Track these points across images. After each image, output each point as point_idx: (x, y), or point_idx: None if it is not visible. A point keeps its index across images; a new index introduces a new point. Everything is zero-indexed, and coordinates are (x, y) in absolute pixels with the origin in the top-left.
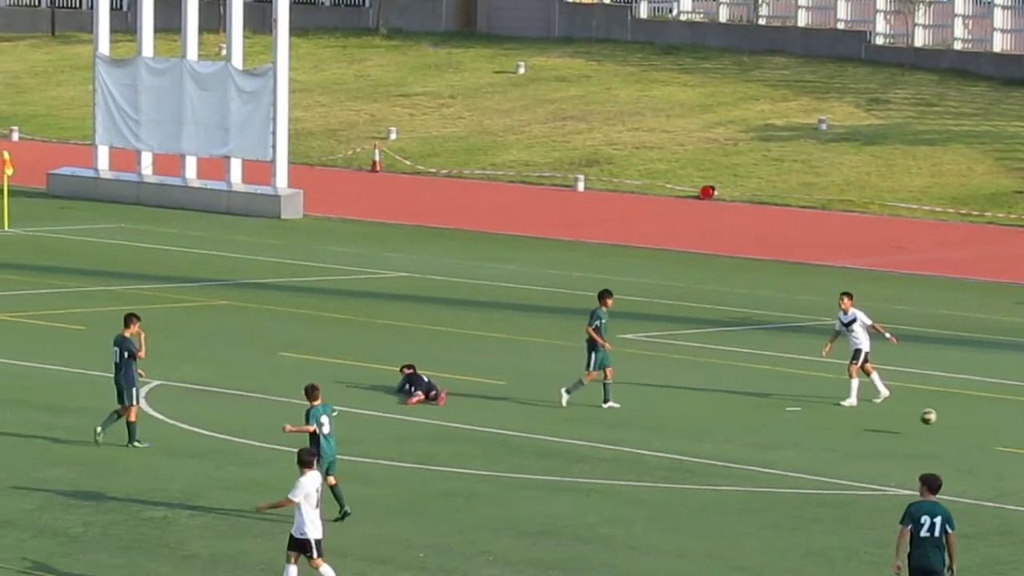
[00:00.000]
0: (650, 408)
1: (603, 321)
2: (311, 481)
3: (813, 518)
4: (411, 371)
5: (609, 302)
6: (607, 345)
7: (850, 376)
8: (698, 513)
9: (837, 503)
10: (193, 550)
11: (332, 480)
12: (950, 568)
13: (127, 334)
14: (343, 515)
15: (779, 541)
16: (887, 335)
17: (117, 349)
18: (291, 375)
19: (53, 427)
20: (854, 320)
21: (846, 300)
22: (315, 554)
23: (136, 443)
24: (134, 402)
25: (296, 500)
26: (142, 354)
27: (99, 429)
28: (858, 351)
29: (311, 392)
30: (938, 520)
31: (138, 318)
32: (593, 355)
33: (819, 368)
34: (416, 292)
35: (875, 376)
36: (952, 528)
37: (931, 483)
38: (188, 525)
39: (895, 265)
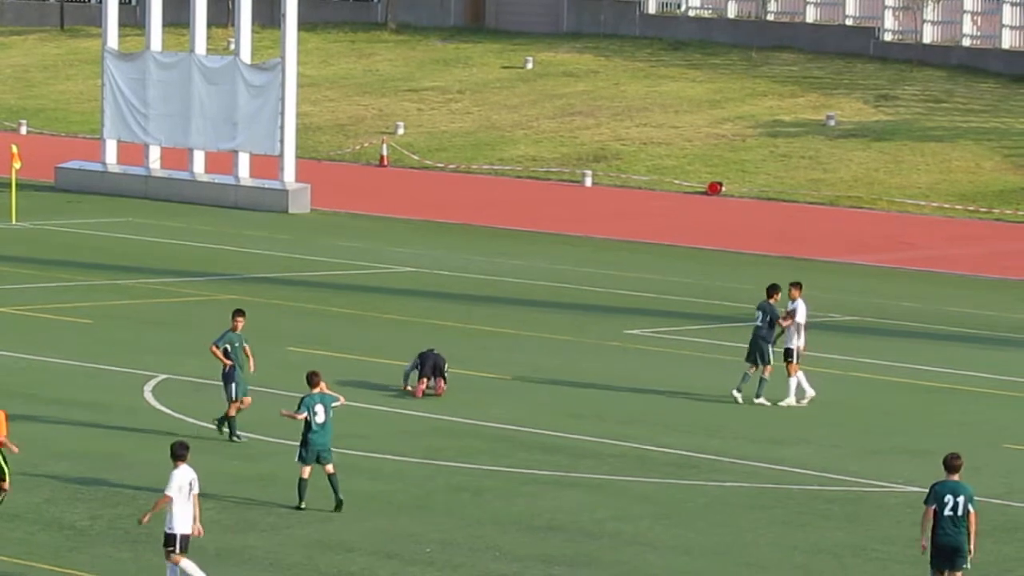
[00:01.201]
0: (657, 404)
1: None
2: (183, 475)
3: (821, 515)
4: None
5: (777, 296)
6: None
7: (789, 375)
8: (705, 509)
9: (845, 500)
10: (199, 544)
11: (330, 468)
12: (969, 548)
13: (234, 330)
14: (338, 504)
15: (787, 537)
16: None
17: (229, 346)
18: (298, 369)
19: (61, 421)
20: (795, 312)
21: (794, 290)
22: (177, 550)
23: (236, 437)
24: (234, 398)
25: (171, 495)
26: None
27: (224, 429)
28: (789, 350)
29: (311, 379)
30: (961, 499)
31: (243, 313)
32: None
33: (826, 365)
34: (423, 287)
35: (800, 376)
36: (975, 507)
37: (951, 463)
38: None
39: (903, 261)
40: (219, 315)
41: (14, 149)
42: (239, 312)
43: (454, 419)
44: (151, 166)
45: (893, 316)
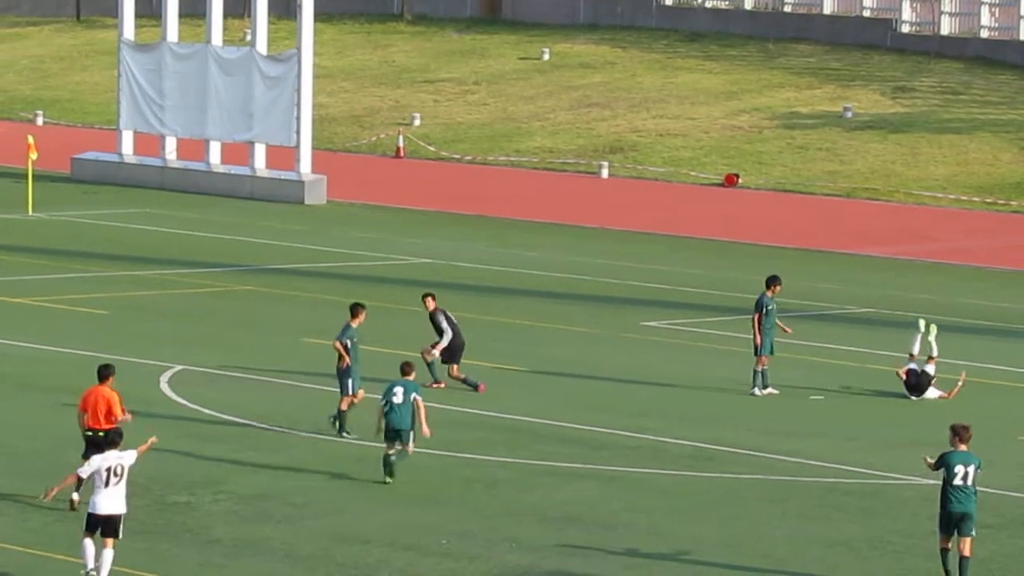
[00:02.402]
0: (673, 396)
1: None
2: (102, 460)
3: (837, 507)
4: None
5: (775, 288)
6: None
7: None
8: (721, 502)
9: (861, 492)
10: (215, 535)
11: (409, 448)
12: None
13: (353, 324)
14: (388, 472)
15: (802, 530)
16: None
17: (349, 341)
18: (314, 361)
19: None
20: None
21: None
22: (96, 532)
23: (345, 433)
24: (348, 392)
25: (83, 476)
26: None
27: (336, 424)
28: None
29: (404, 369)
30: (971, 468)
31: (364, 307)
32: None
33: (843, 357)
34: (439, 278)
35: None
36: (980, 469)
37: (962, 433)
38: (211, 510)
39: (919, 254)
40: (235, 306)
41: (30, 140)
42: (359, 306)
43: (470, 411)
44: (167, 157)
45: (909, 308)
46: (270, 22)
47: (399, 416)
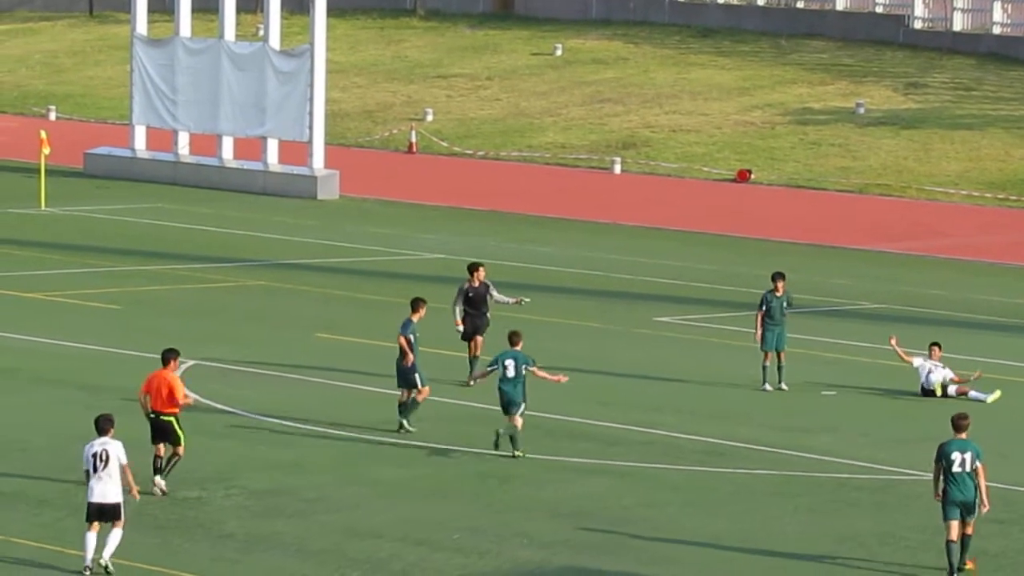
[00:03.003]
0: (685, 392)
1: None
2: (89, 447)
3: (849, 503)
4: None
5: (778, 285)
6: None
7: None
8: (733, 497)
9: (873, 488)
10: (227, 530)
11: (517, 421)
12: (980, 498)
13: (415, 318)
14: (497, 439)
15: (814, 525)
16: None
17: (412, 336)
18: (326, 356)
19: (89, 406)
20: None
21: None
22: (95, 522)
23: (405, 426)
24: (418, 385)
25: (87, 468)
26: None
27: (404, 421)
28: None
29: (512, 338)
30: (968, 455)
31: (425, 302)
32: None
33: (855, 352)
34: (452, 274)
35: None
36: (981, 460)
37: (958, 423)
38: (222, 505)
39: (932, 250)
40: (247, 301)
41: (43, 135)
42: (420, 301)
43: (482, 406)
44: (180, 152)
45: (921, 304)
46: (283, 17)
47: (512, 389)
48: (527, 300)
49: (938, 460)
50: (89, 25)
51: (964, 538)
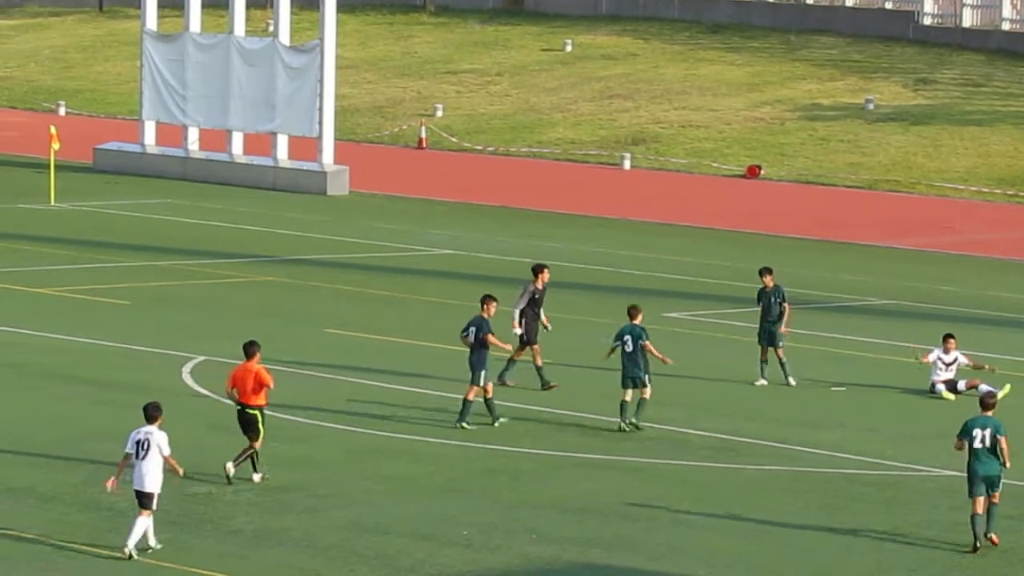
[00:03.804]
0: (695, 387)
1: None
2: (135, 433)
3: (858, 498)
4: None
5: (766, 279)
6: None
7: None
8: (743, 493)
9: (883, 484)
10: (236, 526)
11: (647, 393)
12: (1003, 466)
13: (485, 315)
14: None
15: (824, 521)
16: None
17: (474, 329)
18: (336, 351)
19: (100, 401)
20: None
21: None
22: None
23: (498, 421)
24: (480, 383)
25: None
26: (494, 339)
27: (496, 421)
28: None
29: (631, 312)
30: (988, 431)
31: (495, 299)
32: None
33: (864, 348)
34: (461, 269)
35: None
36: (1002, 434)
37: (985, 401)
38: (232, 501)
39: (941, 245)
40: (257, 296)
41: (53, 130)
42: (491, 298)
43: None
44: (189, 147)
45: (931, 300)
46: (293, 13)
47: (632, 363)
48: (548, 328)
49: (960, 435)
50: (99, 20)
51: (990, 507)
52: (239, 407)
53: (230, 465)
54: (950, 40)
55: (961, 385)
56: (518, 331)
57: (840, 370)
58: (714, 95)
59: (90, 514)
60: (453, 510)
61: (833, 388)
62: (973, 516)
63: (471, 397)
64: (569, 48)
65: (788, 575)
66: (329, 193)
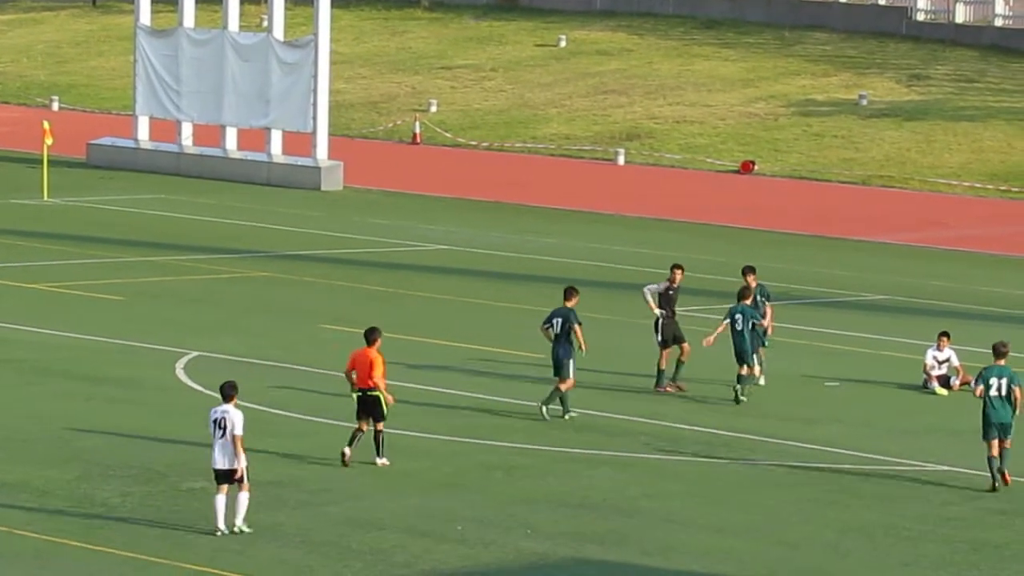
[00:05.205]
0: (688, 382)
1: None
2: (213, 411)
3: (853, 493)
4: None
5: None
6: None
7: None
8: (737, 488)
9: (877, 479)
10: (230, 521)
11: (757, 371)
12: (1014, 413)
13: (569, 305)
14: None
15: (818, 516)
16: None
17: (559, 320)
18: (331, 347)
19: (93, 397)
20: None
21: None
22: (222, 486)
23: (569, 414)
24: (570, 375)
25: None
26: (579, 332)
27: (543, 408)
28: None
29: (743, 293)
30: (1004, 380)
31: (577, 292)
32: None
33: (858, 344)
34: (456, 265)
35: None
36: (1016, 384)
37: (998, 349)
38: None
39: (934, 241)
40: (251, 292)
41: (46, 125)
42: (574, 289)
43: (486, 397)
44: (183, 143)
45: (924, 296)
46: (287, 8)
47: (743, 341)
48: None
49: (977, 382)
50: (92, 15)
51: (1002, 451)
52: (359, 392)
53: (349, 450)
54: (943, 36)
55: (954, 381)
56: (656, 311)
57: (834, 365)
58: (708, 91)
59: (84, 511)
60: (448, 505)
61: (827, 384)
62: (989, 459)
63: (564, 388)
64: (563, 43)
65: (782, 570)
66: (323, 188)
